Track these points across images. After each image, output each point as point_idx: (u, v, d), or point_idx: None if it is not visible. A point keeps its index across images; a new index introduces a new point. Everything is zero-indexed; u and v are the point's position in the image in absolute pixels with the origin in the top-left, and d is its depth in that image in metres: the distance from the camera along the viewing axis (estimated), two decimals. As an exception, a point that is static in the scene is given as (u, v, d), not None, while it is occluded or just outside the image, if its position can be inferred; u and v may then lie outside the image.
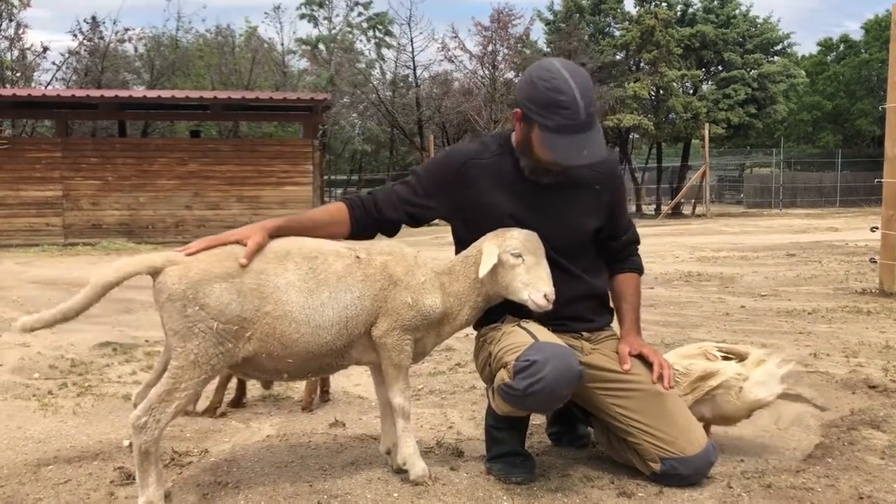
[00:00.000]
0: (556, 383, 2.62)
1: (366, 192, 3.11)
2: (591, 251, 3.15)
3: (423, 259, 2.94)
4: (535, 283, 2.78)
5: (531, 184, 2.99)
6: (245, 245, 2.68)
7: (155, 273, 2.61)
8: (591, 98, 2.79)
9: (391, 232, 3.10)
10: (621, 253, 3.24)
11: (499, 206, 2.97)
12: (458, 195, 3.02)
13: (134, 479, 2.89)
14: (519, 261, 2.80)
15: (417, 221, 3.10)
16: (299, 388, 4.38)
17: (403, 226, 3.13)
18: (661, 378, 2.89)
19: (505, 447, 2.98)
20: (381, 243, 2.94)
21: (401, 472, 2.93)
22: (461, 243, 3.08)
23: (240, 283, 2.62)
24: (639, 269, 3.28)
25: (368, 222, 3.03)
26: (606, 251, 3.22)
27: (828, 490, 2.81)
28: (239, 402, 4.02)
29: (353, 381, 4.56)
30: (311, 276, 2.72)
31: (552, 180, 2.98)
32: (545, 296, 2.76)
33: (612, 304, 3.25)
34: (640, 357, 3.00)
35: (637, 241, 3.29)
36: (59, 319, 2.61)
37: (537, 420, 3.48)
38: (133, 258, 2.64)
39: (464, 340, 5.31)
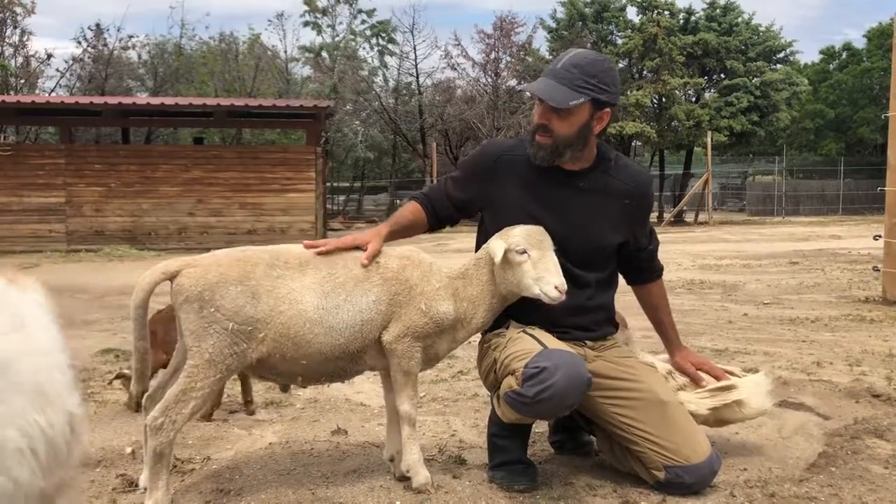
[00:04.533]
0: (565, 390, 2.63)
1: (428, 187, 3.29)
2: (608, 265, 3.14)
3: (438, 265, 2.96)
4: (544, 277, 2.79)
5: (560, 188, 3.01)
6: (364, 248, 2.89)
7: (172, 277, 2.68)
8: (583, 70, 2.87)
9: (452, 223, 3.25)
10: (648, 261, 3.28)
11: (522, 204, 3.00)
12: (488, 187, 3.07)
13: (136, 486, 2.90)
14: (524, 257, 2.81)
15: (465, 213, 3.21)
16: (303, 395, 4.38)
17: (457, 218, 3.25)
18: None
19: (507, 455, 2.98)
20: (398, 248, 2.97)
21: (403, 479, 2.93)
22: (483, 243, 3.07)
23: (255, 286, 2.68)
24: (661, 271, 3.37)
25: (433, 218, 3.18)
26: (635, 262, 3.24)
27: (831, 499, 2.81)
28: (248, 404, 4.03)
29: (355, 388, 4.55)
30: (328, 279, 2.78)
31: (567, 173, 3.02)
32: (556, 287, 2.77)
33: (619, 316, 3.25)
34: (704, 369, 3.21)
35: (658, 245, 3.34)
36: (141, 364, 2.78)
37: (540, 428, 3.48)
38: (150, 269, 2.71)
39: (466, 348, 5.30)
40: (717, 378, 3.20)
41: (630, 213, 3.10)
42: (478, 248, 3.07)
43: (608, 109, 2.96)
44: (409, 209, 3.20)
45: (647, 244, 3.24)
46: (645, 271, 3.30)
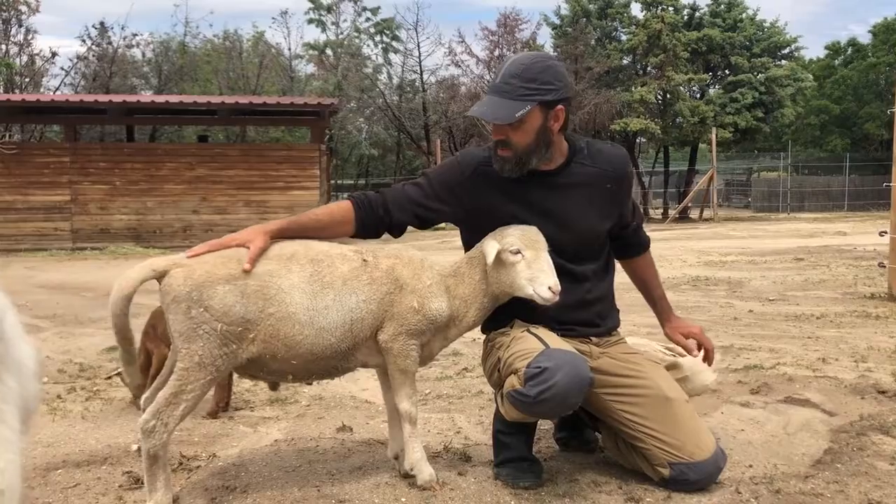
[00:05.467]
0: (566, 390, 2.63)
1: (373, 191, 3.09)
2: (601, 253, 3.14)
3: (430, 262, 2.95)
4: (537, 278, 2.78)
5: (540, 189, 2.99)
6: (248, 248, 2.70)
7: (160, 276, 2.64)
8: (521, 77, 2.81)
9: (397, 233, 3.07)
10: (634, 237, 3.28)
11: (505, 210, 2.97)
12: (466, 199, 3.02)
13: (142, 483, 2.90)
14: (518, 257, 2.80)
15: (424, 223, 3.08)
16: (307, 392, 4.39)
17: (406, 228, 3.10)
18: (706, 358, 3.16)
19: (513, 452, 2.98)
20: (388, 247, 2.95)
21: (408, 477, 2.93)
22: (469, 247, 3.08)
23: (244, 285, 2.64)
24: (648, 244, 3.36)
25: (374, 222, 2.99)
26: (621, 239, 3.25)
27: (837, 496, 2.80)
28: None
29: (360, 385, 4.56)
30: (315, 278, 2.72)
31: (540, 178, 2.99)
32: (550, 288, 2.76)
33: (628, 291, 3.25)
34: (695, 339, 3.20)
35: (642, 220, 3.34)
36: (126, 358, 2.78)
37: (545, 425, 3.48)
38: (138, 264, 2.67)
39: (471, 345, 5.31)
40: (707, 348, 3.19)
41: (615, 196, 3.09)
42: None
43: (561, 106, 2.89)
44: (330, 209, 3.03)
45: (631, 220, 3.23)
46: (631, 246, 3.30)
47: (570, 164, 3.02)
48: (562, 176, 3.01)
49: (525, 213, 2.96)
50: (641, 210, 3.37)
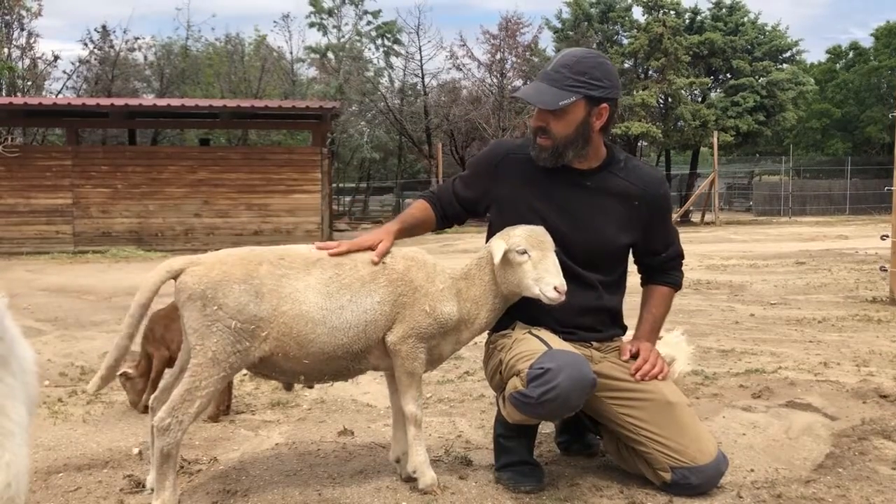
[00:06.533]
0: (569, 391, 2.63)
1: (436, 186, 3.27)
2: (615, 267, 3.10)
3: (441, 266, 2.97)
4: (543, 278, 2.80)
5: (566, 186, 3.00)
6: (374, 248, 2.89)
7: (176, 275, 2.69)
8: (572, 69, 2.87)
9: (460, 222, 3.27)
10: (660, 268, 3.20)
11: (528, 202, 3.00)
12: (493, 187, 3.08)
13: (143, 486, 2.91)
14: (525, 257, 2.82)
15: (470, 213, 3.22)
16: (309, 396, 4.39)
17: (464, 218, 3.28)
18: (638, 370, 2.94)
19: (514, 456, 2.98)
20: (402, 249, 2.97)
21: (409, 480, 2.93)
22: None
23: (259, 285, 2.69)
24: (674, 284, 3.24)
25: (442, 216, 3.19)
26: (645, 266, 3.22)
27: (839, 500, 2.80)
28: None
29: (361, 389, 4.56)
30: (333, 280, 2.78)
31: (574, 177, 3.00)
32: (555, 288, 2.77)
33: (625, 319, 3.24)
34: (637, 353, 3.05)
35: (679, 257, 3.23)
36: (115, 361, 2.75)
37: (546, 429, 3.48)
38: (154, 269, 2.70)
39: (472, 349, 5.30)
40: (647, 369, 2.95)
41: (641, 215, 3.05)
42: None
43: (606, 104, 2.92)
44: (418, 207, 3.22)
45: (661, 251, 3.16)
46: (653, 274, 3.22)
47: (602, 170, 3.04)
48: (591, 179, 3.02)
49: (545, 207, 2.98)
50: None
